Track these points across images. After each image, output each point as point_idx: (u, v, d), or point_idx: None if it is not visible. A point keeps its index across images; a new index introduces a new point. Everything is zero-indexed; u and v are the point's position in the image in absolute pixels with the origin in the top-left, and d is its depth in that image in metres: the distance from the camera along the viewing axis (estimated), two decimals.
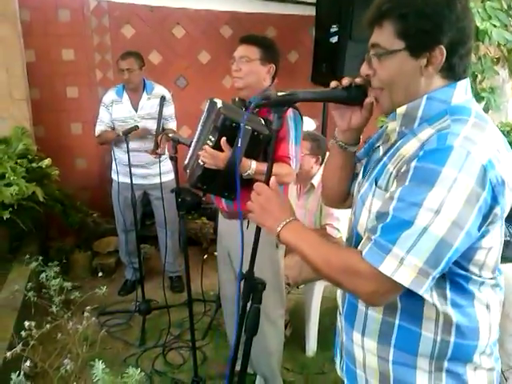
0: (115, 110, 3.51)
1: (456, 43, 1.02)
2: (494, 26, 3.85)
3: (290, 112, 2.12)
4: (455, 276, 1.05)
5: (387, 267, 0.96)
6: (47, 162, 3.66)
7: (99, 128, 3.55)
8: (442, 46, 1.01)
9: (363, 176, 1.24)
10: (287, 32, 4.70)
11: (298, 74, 4.70)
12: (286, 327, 3.00)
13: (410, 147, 1.04)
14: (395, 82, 1.07)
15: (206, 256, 3.30)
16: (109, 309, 3.44)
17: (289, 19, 4.36)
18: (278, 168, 2.08)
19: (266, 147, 2.09)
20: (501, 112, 4.71)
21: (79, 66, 4.29)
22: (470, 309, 1.08)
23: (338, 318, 1.34)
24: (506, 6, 3.96)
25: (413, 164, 0.97)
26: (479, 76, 4.35)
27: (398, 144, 1.10)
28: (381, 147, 1.20)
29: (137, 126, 3.27)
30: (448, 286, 1.05)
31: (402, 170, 1.00)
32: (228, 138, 1.96)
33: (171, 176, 3.55)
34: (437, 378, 1.10)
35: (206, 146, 1.99)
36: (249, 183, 2.12)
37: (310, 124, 3.51)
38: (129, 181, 3.20)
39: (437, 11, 1.00)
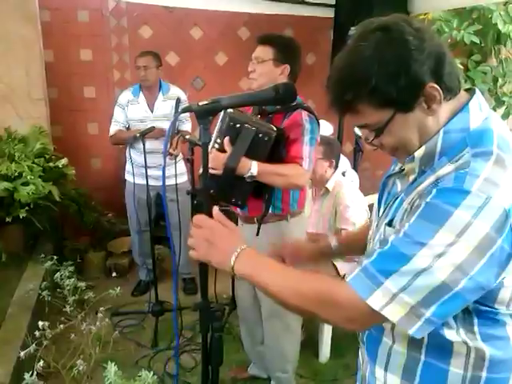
0: (131, 110, 3.52)
1: (436, 68, 0.93)
2: None
3: (305, 115, 2.10)
4: (482, 312, 0.98)
5: (376, 301, 0.91)
6: (64, 161, 3.68)
7: (114, 128, 3.56)
8: (429, 82, 0.92)
9: (379, 205, 1.18)
10: (305, 34, 4.66)
11: (315, 76, 4.65)
12: None
13: (427, 183, 0.97)
14: (406, 139, 0.99)
15: None
16: (122, 309, 3.44)
17: (307, 21, 4.33)
18: (286, 169, 2.05)
19: (278, 148, 2.05)
20: None
21: (97, 66, 4.32)
22: (504, 340, 1.01)
23: (360, 351, 1.27)
24: None
25: (426, 200, 0.91)
26: (500, 80, 4.28)
27: (416, 182, 1.02)
28: (398, 182, 1.11)
29: (153, 127, 3.27)
30: (476, 322, 0.99)
31: (415, 205, 0.95)
32: (234, 138, 1.94)
33: (185, 178, 3.57)
34: None
35: (213, 149, 1.97)
36: (258, 188, 2.07)
37: (327, 128, 3.48)
38: (143, 182, 3.22)
39: (399, 62, 0.90)
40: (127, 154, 3.55)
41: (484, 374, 1.01)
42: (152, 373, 1.94)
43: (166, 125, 3.45)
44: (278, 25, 4.43)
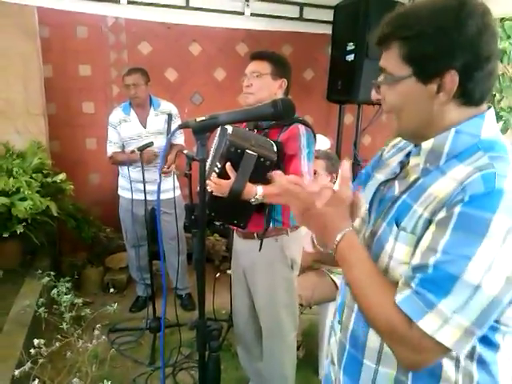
0: (123, 128, 3.51)
1: (471, 67, 0.91)
2: None
3: (302, 129, 2.10)
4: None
5: (428, 324, 0.85)
6: (62, 176, 3.67)
7: (110, 149, 3.57)
8: (454, 71, 0.91)
9: (369, 212, 1.12)
10: (303, 50, 4.70)
11: (313, 91, 4.70)
12: (298, 348, 2.94)
13: (442, 187, 0.92)
14: (403, 108, 0.98)
15: (218, 274, 3.25)
16: (119, 326, 3.41)
17: (305, 37, 4.36)
18: None
19: (277, 163, 2.04)
20: None
21: (95, 81, 4.33)
22: (493, 366, 0.98)
23: (331, 369, 1.20)
24: None
25: (456, 210, 0.85)
26: (497, 95, 4.31)
27: (421, 182, 0.99)
28: (396, 183, 1.06)
29: (151, 142, 3.27)
30: (477, 340, 0.94)
31: (442, 216, 0.88)
32: (235, 163, 1.91)
33: (178, 191, 3.57)
34: None
35: (212, 175, 1.96)
36: (261, 206, 2.08)
37: (324, 142, 3.49)
38: (138, 197, 3.27)
39: (442, 33, 0.90)
40: (121, 170, 3.56)
41: None
42: None
43: (159, 140, 3.45)
44: (276, 41, 4.47)
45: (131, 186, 3.36)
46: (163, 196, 3.42)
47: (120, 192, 3.68)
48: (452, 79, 0.92)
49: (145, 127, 3.52)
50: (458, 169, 0.92)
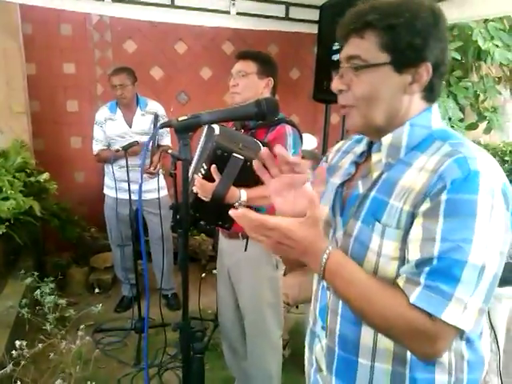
0: (109, 127, 3.49)
1: (439, 62, 0.98)
2: (497, 46, 3.87)
3: (289, 129, 2.10)
4: None
5: (451, 315, 0.86)
6: (45, 176, 3.63)
7: (96, 147, 3.55)
8: (429, 64, 0.96)
9: (333, 216, 1.10)
10: (289, 49, 4.71)
11: (299, 91, 4.71)
12: (284, 348, 2.94)
13: (414, 178, 0.94)
14: (374, 98, 0.98)
15: (204, 274, 3.24)
16: (104, 326, 3.38)
17: (291, 37, 4.37)
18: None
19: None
20: (503, 131, 4.71)
21: (80, 79, 4.29)
22: (477, 341, 1.03)
23: (319, 376, 1.18)
24: (508, 27, 3.98)
25: (442, 197, 0.87)
26: (481, 95, 4.36)
27: (385, 176, 1.00)
28: (359, 182, 1.06)
29: (137, 142, 3.25)
30: None
31: (427, 207, 0.89)
32: (221, 166, 1.85)
33: (165, 191, 3.55)
34: None
35: (197, 176, 1.92)
36: (247, 207, 2.07)
37: (311, 141, 3.49)
38: (123, 197, 3.25)
39: (425, 26, 0.95)
40: (107, 169, 3.53)
41: (465, 376, 1.02)
42: None
43: (144, 139, 3.42)
44: (262, 40, 4.47)
45: (116, 185, 3.34)
46: (149, 196, 3.40)
47: (105, 191, 3.66)
48: (427, 71, 0.97)
49: (130, 127, 3.49)
50: (422, 159, 0.96)
